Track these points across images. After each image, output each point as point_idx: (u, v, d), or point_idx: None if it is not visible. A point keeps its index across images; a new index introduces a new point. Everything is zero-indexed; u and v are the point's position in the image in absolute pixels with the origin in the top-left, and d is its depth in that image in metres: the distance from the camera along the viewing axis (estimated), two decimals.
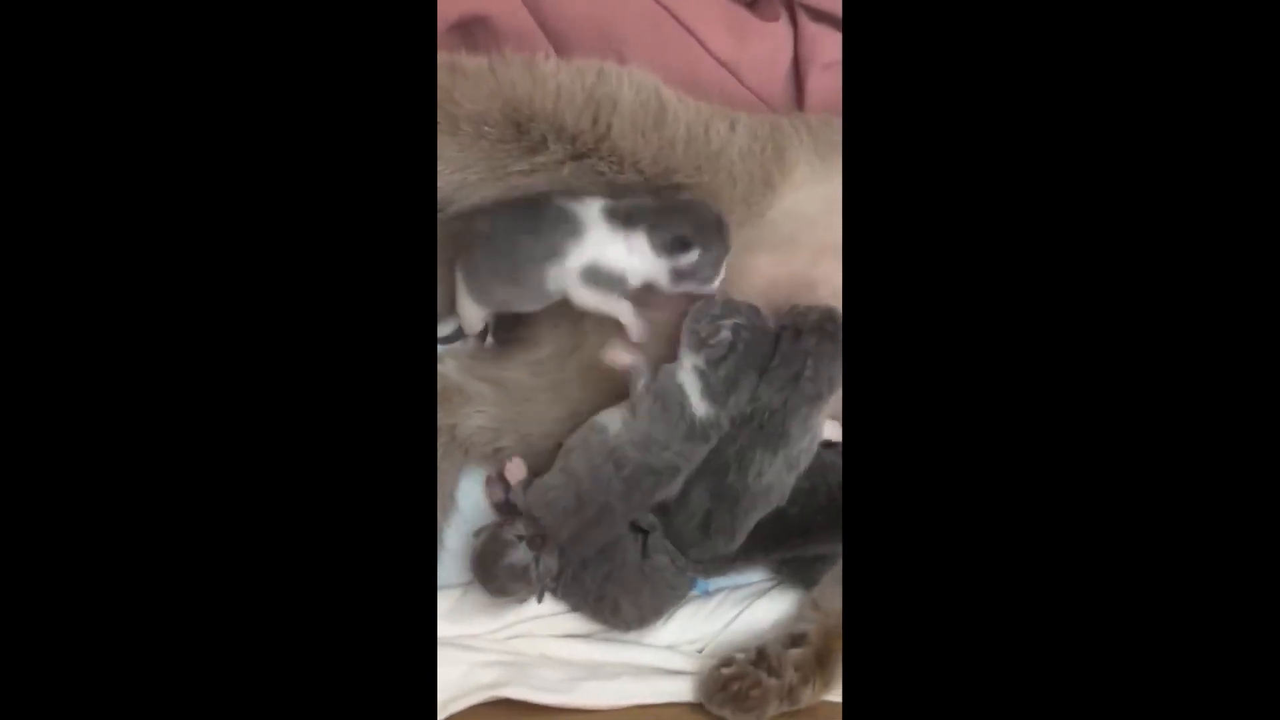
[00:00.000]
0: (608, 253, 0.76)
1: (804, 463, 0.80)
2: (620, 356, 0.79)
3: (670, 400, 0.76)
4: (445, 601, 0.85)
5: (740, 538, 0.81)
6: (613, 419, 0.78)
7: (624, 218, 0.76)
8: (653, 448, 0.76)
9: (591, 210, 0.76)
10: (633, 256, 0.76)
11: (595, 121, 0.76)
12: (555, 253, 0.76)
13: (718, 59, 0.89)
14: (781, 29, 0.91)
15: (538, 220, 0.76)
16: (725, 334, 0.75)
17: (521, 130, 0.75)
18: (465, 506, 0.88)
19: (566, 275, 0.77)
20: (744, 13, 0.91)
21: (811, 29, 0.92)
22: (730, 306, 0.77)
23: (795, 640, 0.82)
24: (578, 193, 0.77)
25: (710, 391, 0.76)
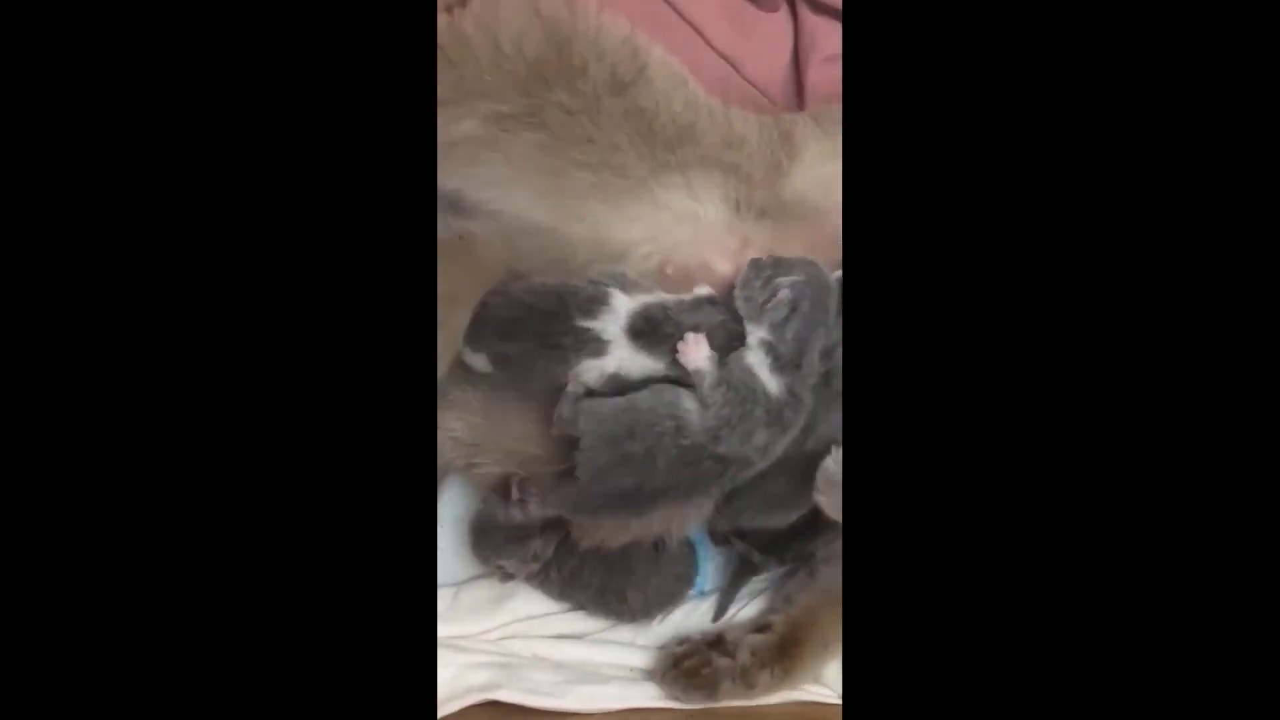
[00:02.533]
0: (626, 363, 0.75)
1: None
2: (694, 354, 0.72)
3: (742, 388, 0.71)
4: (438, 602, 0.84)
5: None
6: (686, 397, 0.72)
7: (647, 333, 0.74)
8: (723, 435, 0.71)
9: (611, 326, 0.74)
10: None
11: (634, 56, 0.76)
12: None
13: (718, 51, 0.88)
14: (782, 20, 0.90)
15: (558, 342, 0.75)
16: (785, 292, 0.71)
17: (561, 50, 0.74)
18: (445, 515, 0.86)
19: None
20: (745, 4, 0.89)
21: (812, 21, 0.91)
22: (784, 264, 0.72)
23: (759, 627, 0.81)
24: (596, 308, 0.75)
25: (780, 363, 0.71)
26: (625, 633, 0.86)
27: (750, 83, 0.88)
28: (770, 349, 0.72)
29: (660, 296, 0.75)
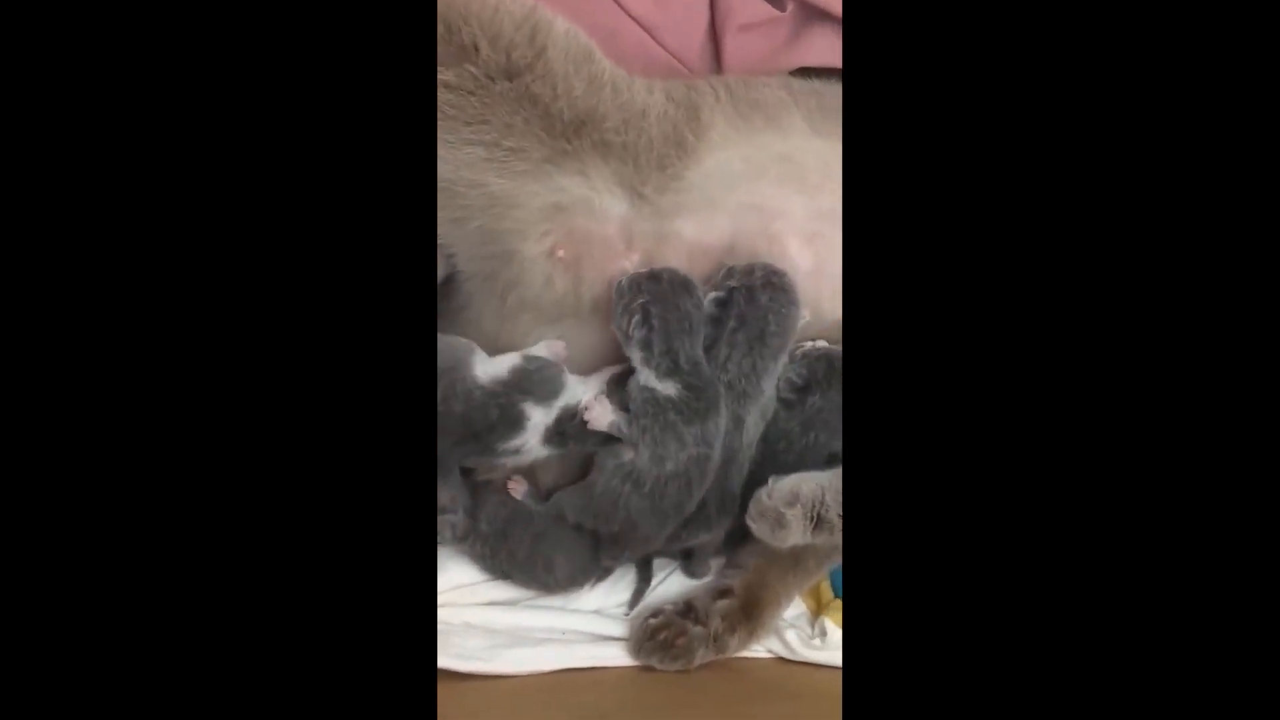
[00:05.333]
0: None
1: (770, 412, 0.81)
2: (599, 417, 0.78)
3: (643, 400, 0.77)
4: None
5: (739, 504, 0.81)
6: (621, 450, 0.78)
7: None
8: (661, 454, 0.76)
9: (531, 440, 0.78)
10: None
11: (533, 39, 0.75)
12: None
13: (636, 20, 0.88)
14: None
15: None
16: (637, 316, 0.76)
17: (451, 30, 0.73)
18: None
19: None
20: None
21: None
22: (633, 286, 0.77)
23: (721, 593, 0.84)
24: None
25: (661, 370, 0.76)
26: (557, 598, 0.87)
27: (668, 51, 0.89)
28: (649, 362, 0.77)
29: (567, 402, 0.79)
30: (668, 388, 0.76)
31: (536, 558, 0.84)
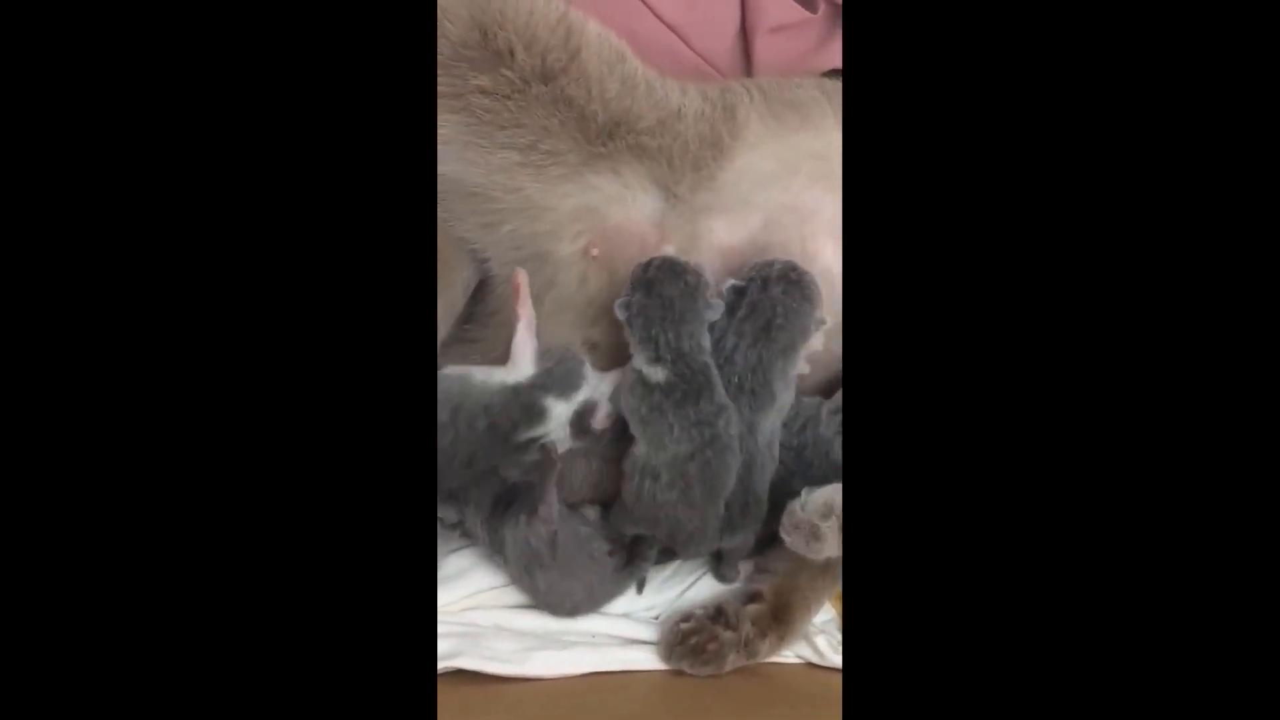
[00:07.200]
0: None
1: (787, 415, 0.81)
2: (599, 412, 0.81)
3: (636, 387, 0.77)
4: None
5: (765, 506, 0.81)
6: (635, 445, 0.79)
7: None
8: (658, 435, 0.77)
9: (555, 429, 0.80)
10: None
11: (567, 41, 0.75)
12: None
13: (665, 22, 0.88)
14: None
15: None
16: (622, 300, 0.78)
17: (486, 36, 0.74)
18: None
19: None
20: None
21: None
22: (629, 287, 0.79)
23: (751, 597, 0.84)
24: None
25: (649, 356, 0.77)
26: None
27: (697, 53, 0.89)
28: (641, 351, 0.78)
29: (589, 396, 0.81)
30: (656, 373, 0.77)
31: (565, 598, 0.84)
